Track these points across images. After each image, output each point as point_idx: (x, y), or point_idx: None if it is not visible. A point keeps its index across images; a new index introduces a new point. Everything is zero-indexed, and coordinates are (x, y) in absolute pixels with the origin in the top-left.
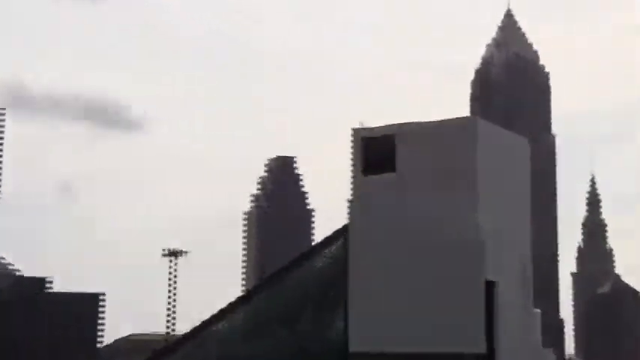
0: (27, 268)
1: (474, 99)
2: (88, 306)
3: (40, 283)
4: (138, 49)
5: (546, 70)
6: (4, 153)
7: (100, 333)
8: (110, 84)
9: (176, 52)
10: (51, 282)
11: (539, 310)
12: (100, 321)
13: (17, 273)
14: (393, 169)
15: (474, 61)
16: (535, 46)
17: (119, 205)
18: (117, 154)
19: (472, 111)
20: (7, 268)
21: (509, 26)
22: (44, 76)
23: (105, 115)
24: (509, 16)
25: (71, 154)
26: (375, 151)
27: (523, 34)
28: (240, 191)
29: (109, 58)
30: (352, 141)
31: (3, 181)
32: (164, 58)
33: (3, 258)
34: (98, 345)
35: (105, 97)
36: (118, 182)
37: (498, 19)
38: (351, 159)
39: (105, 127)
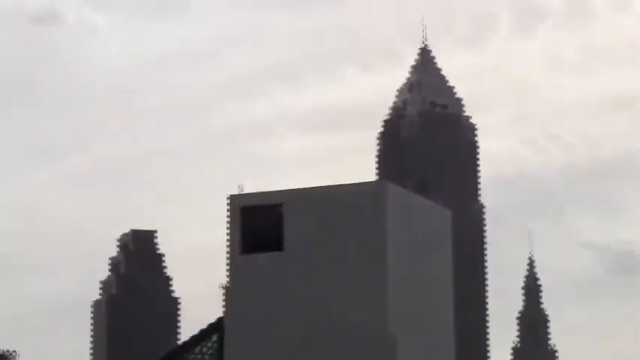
0: None
1: (382, 158)
2: None
3: None
4: None
5: (472, 121)
6: None
7: None
8: None
9: None
10: None
11: None
12: None
13: None
14: (280, 246)
15: (382, 110)
16: (458, 92)
17: None
18: None
19: (379, 174)
20: None
21: (425, 65)
22: None
23: None
24: (425, 53)
25: None
26: (258, 225)
27: (443, 77)
28: (87, 276)
29: None
30: (228, 211)
31: None
32: None
33: None
34: None
35: None
36: None
37: (412, 57)
38: (228, 234)
39: None
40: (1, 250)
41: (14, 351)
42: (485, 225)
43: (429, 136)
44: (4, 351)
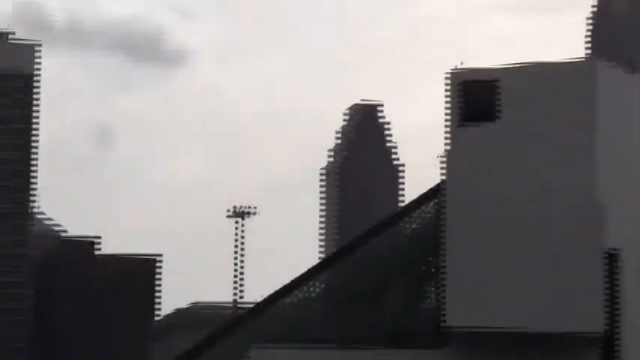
0: (71, 228)
1: (593, 38)
2: (143, 270)
3: (88, 244)
4: None
5: None
6: (41, 96)
7: (157, 301)
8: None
9: None
10: (99, 243)
11: None
12: (157, 287)
13: (62, 234)
14: (494, 117)
15: None
16: None
17: (168, 155)
18: (159, 94)
19: (590, 53)
20: (50, 229)
21: None
22: (67, 1)
23: (141, 47)
24: None
25: (107, 94)
26: (475, 98)
27: None
28: (316, 143)
29: None
30: (448, 85)
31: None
32: None
33: (47, 217)
34: (155, 316)
35: (140, 26)
36: (164, 128)
37: None
38: (447, 106)
39: (141, 61)
40: (244, 127)
41: (254, 207)
42: None
43: (634, 17)
44: (243, 209)
